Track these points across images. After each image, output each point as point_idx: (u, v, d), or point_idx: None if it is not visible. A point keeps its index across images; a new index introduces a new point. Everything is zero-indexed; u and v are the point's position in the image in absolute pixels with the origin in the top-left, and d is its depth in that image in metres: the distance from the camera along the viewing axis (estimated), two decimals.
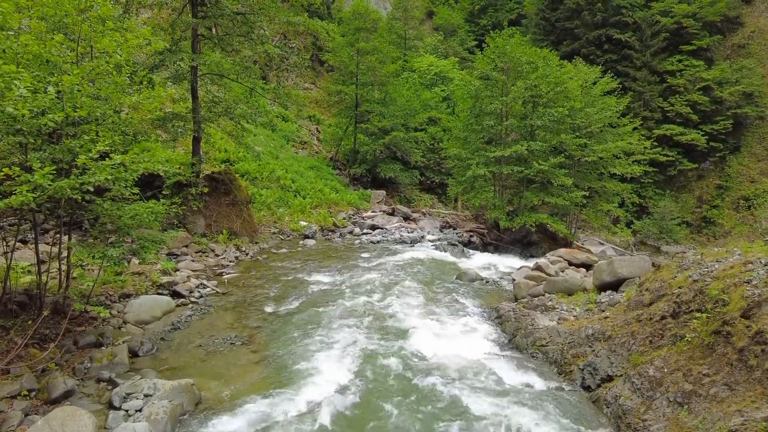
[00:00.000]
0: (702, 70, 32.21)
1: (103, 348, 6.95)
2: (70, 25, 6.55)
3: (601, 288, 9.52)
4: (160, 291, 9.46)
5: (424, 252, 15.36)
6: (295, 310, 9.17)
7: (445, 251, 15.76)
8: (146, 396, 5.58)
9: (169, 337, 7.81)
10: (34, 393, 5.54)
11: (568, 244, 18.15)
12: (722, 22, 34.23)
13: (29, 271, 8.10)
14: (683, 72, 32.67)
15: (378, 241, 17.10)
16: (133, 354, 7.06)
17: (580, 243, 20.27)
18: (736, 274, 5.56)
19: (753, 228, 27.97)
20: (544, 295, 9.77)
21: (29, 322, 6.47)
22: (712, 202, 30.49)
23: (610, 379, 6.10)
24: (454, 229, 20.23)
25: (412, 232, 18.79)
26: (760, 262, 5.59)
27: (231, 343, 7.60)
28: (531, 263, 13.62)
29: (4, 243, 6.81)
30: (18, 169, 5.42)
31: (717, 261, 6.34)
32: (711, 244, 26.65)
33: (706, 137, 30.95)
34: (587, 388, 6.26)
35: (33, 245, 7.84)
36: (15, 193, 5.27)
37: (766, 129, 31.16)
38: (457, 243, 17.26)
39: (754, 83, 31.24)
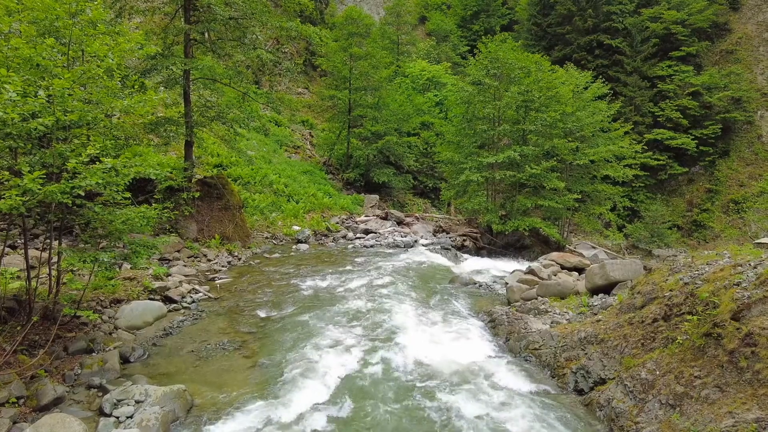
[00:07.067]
0: (691, 76, 32.60)
1: (93, 354, 6.87)
2: (61, 28, 6.53)
3: (594, 291, 9.58)
4: (151, 296, 9.37)
5: (417, 256, 15.36)
6: (288, 315, 9.13)
7: (439, 255, 15.77)
8: (137, 402, 5.52)
9: (161, 342, 7.74)
10: (22, 400, 5.46)
11: (560, 248, 18.24)
12: (711, 28, 34.70)
13: (18, 277, 8.00)
14: (673, 77, 33.06)
15: (371, 246, 17.09)
16: (125, 360, 6.99)
17: (572, 247, 20.37)
18: (726, 276, 5.61)
19: (742, 231, 28.27)
20: (536, 299, 9.80)
21: (18, 328, 6.38)
22: (702, 205, 30.78)
23: (602, 382, 6.13)
24: (447, 233, 20.26)
25: (405, 237, 18.80)
26: (750, 264, 5.65)
27: (223, 349, 7.55)
28: (524, 267, 13.68)
29: None
30: (7, 173, 5.38)
31: (707, 264, 6.41)
32: (701, 247, 26.85)
33: (696, 141, 31.30)
34: (580, 392, 6.28)
35: (22, 250, 7.76)
36: (4, 198, 5.21)
37: (754, 134, 31.56)
38: (450, 247, 17.29)
39: (742, 88, 31.67)
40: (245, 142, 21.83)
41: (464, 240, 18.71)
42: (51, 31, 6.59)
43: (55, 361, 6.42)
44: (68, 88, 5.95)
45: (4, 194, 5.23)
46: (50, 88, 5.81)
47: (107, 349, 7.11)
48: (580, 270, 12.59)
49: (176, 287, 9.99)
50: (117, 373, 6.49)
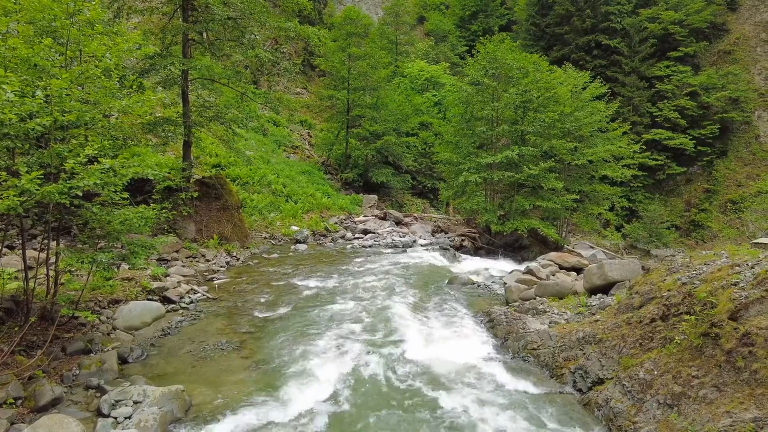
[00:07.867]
0: (689, 76, 32.66)
1: (91, 354, 6.86)
2: (59, 28, 6.52)
3: (592, 291, 9.59)
4: (150, 297, 9.35)
5: (415, 256, 15.36)
6: (287, 315, 9.13)
7: (437, 255, 15.78)
8: (136, 403, 5.51)
9: (159, 343, 7.73)
10: (20, 401, 5.45)
11: (558, 248, 18.27)
12: (708, 28, 34.77)
13: (16, 277, 7.98)
14: (671, 77, 33.11)
15: (370, 246, 17.08)
16: (123, 360, 6.98)
17: (570, 247, 20.40)
18: (724, 276, 5.63)
19: (740, 231, 28.34)
20: (535, 299, 9.80)
21: (16, 329, 6.37)
22: (700, 205, 30.84)
23: (601, 382, 6.13)
24: (446, 233, 20.26)
25: (404, 237, 18.80)
26: (747, 264, 5.67)
27: (222, 349, 7.54)
28: (522, 267, 13.69)
29: None
30: (5, 173, 5.36)
31: (705, 264, 6.42)
32: (699, 247, 26.90)
33: (694, 142, 31.35)
34: (579, 392, 6.29)
35: (20, 251, 7.74)
36: (2, 198, 5.20)
37: (752, 134, 31.63)
38: (448, 247, 17.29)
39: (739, 89, 31.73)
40: (244, 142, 21.82)
41: (463, 240, 18.71)
42: (49, 31, 6.57)
43: (53, 362, 6.40)
44: (66, 89, 5.94)
45: (2, 195, 5.22)
46: (48, 88, 5.80)
47: (105, 349, 7.10)
48: (578, 270, 12.60)
49: (174, 288, 9.98)
50: (115, 374, 6.48)
